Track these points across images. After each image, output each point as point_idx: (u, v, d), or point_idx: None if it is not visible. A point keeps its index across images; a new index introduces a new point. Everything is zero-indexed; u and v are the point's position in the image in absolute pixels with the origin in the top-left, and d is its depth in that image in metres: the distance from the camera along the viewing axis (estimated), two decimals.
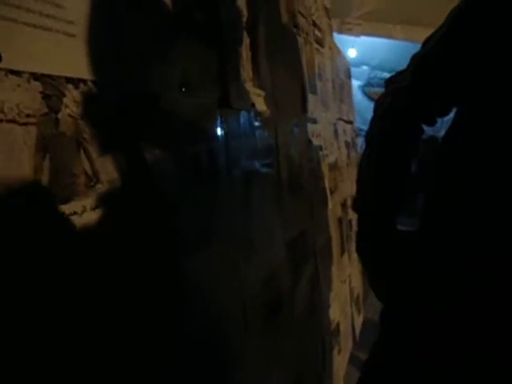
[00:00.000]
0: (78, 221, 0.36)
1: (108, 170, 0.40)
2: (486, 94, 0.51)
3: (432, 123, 0.61)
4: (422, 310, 0.57)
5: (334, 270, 1.31)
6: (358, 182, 0.65)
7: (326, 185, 1.29)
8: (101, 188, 0.39)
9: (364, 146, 0.64)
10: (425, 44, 0.55)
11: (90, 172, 0.38)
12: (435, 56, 0.52)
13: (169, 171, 0.52)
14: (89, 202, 0.37)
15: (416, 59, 0.54)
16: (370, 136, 0.61)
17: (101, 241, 0.39)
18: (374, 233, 0.65)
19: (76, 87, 0.36)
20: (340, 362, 1.33)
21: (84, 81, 0.37)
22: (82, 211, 0.36)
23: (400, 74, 0.58)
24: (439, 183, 0.59)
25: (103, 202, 0.39)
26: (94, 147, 0.39)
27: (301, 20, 1.09)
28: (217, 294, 0.62)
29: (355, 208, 0.67)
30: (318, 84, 1.25)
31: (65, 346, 0.34)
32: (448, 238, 0.56)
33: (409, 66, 0.56)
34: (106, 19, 0.42)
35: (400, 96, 0.56)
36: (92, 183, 0.38)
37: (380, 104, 0.60)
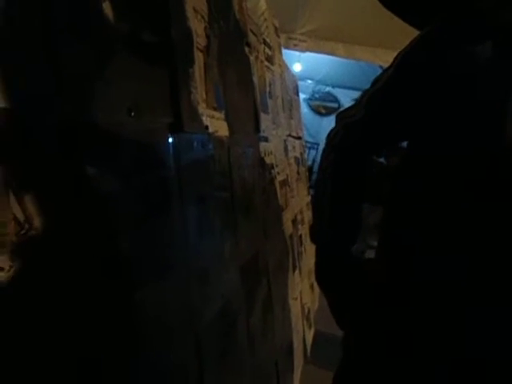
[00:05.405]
0: (5, 277, 0.30)
1: (44, 213, 0.35)
2: (424, 132, 0.55)
3: (380, 154, 0.63)
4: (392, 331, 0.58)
5: (286, 288, 1.31)
6: (314, 211, 0.65)
7: (279, 203, 1.29)
8: (34, 234, 0.34)
9: (317, 177, 0.64)
10: (375, 83, 0.58)
11: (21, 218, 0.32)
12: (383, 95, 0.56)
13: (117, 203, 0.47)
14: (19, 253, 0.31)
15: (367, 96, 0.57)
16: (323, 167, 0.62)
17: (39, 289, 0.34)
18: (332, 262, 0.65)
19: None
20: (293, 381, 1.32)
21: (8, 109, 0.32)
22: (10, 267, 0.30)
23: (350, 109, 0.61)
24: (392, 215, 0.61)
25: (37, 250, 0.34)
26: (26, 188, 0.33)
27: (252, 38, 1.08)
28: (169, 328, 0.58)
29: (312, 238, 0.66)
30: (269, 102, 1.25)
31: None
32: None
33: (359, 101, 0.59)
34: (39, 36, 0.37)
35: (353, 129, 0.58)
36: (24, 231, 0.32)
37: (332, 137, 0.61)
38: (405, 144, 0.62)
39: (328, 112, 5.66)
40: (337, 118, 0.65)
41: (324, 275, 0.67)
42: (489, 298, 0.51)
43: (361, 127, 0.59)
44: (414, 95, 0.54)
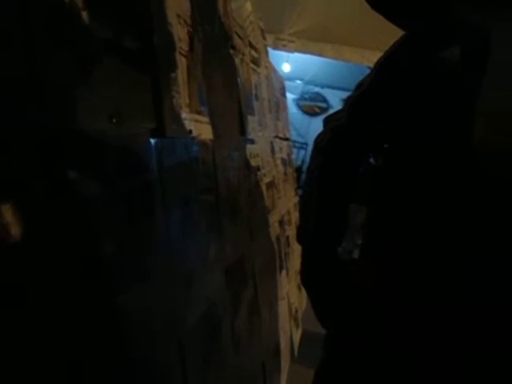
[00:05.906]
0: None
1: (23, 221, 0.35)
2: (404, 132, 0.56)
3: (368, 156, 0.64)
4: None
5: (274, 289, 1.31)
6: (301, 212, 0.66)
7: (265, 204, 1.29)
8: (12, 242, 0.34)
9: (305, 179, 0.65)
10: (358, 87, 0.60)
11: None
12: (366, 96, 0.58)
13: (98, 211, 0.47)
14: None
15: (351, 99, 0.59)
16: (311, 169, 0.63)
17: (20, 298, 0.34)
18: (317, 262, 0.66)
19: None
20: (280, 382, 1.33)
21: None
22: None
23: (337, 113, 0.62)
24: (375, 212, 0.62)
25: (15, 258, 0.34)
26: (3, 196, 0.33)
27: (237, 41, 1.09)
28: (152, 332, 0.58)
29: (298, 239, 0.67)
30: (255, 104, 1.26)
31: None
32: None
33: (344, 106, 0.60)
34: (19, 42, 0.37)
35: (338, 132, 0.59)
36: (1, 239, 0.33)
37: (320, 140, 0.62)
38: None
39: (317, 112, 5.69)
40: (324, 121, 0.67)
41: (309, 276, 0.68)
42: (480, 299, 0.52)
43: (345, 130, 0.60)
44: (394, 95, 0.56)
